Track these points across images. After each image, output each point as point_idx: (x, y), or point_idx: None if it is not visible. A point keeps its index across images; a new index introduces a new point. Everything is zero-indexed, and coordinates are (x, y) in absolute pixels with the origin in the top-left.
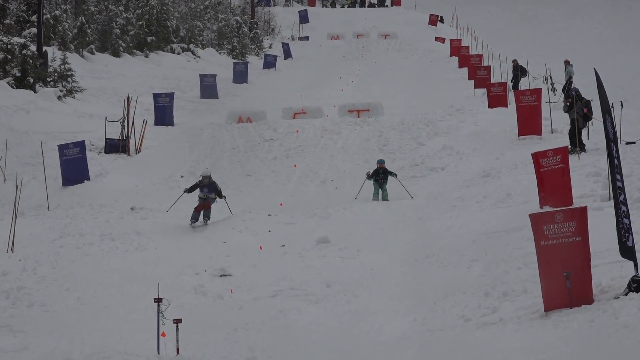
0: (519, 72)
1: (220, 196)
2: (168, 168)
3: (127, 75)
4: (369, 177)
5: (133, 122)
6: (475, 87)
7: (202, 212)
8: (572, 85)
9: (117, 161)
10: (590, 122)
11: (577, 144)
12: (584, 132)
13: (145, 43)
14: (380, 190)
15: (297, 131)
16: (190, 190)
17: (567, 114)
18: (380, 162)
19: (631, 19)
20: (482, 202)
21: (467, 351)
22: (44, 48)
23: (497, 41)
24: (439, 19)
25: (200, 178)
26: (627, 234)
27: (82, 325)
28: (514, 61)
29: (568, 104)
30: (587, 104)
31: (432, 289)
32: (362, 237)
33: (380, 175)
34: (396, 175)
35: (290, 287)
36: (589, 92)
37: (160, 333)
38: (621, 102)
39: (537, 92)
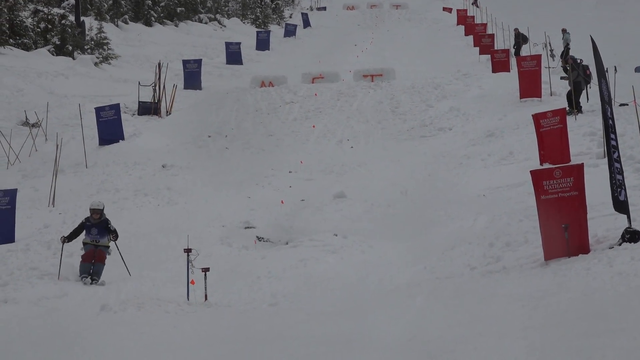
0: (521, 39)
1: (115, 237)
2: (196, 129)
3: (158, 43)
4: None
5: (164, 87)
6: (480, 53)
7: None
8: (570, 51)
9: (149, 122)
10: (589, 85)
11: (574, 105)
12: (583, 94)
13: (175, 13)
14: None
15: (316, 94)
16: (70, 237)
17: (565, 79)
18: None
19: None
20: (486, 159)
21: (473, 297)
22: (82, 18)
23: (500, 11)
24: None
25: (88, 215)
26: (619, 189)
27: (118, 273)
28: (516, 29)
29: (569, 67)
30: (587, 67)
31: (440, 240)
32: (375, 192)
33: None
34: None
35: (309, 238)
36: (585, 57)
37: (189, 281)
38: (615, 67)
39: (537, 57)
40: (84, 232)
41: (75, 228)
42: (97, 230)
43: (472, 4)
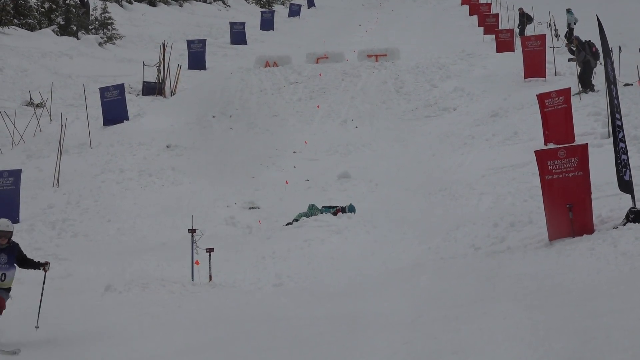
0: (525, 19)
1: (36, 266)
2: (200, 109)
3: (162, 23)
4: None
5: (168, 67)
6: (485, 33)
7: None
8: (573, 32)
9: (154, 102)
10: (598, 62)
11: (587, 84)
12: (593, 72)
13: None
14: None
15: (320, 74)
16: None
17: (572, 60)
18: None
19: None
20: (490, 139)
21: (477, 277)
22: None
23: None
24: None
25: None
26: (624, 169)
27: (122, 254)
28: (520, 9)
29: (574, 47)
30: (592, 44)
31: (445, 220)
32: (379, 172)
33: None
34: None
35: (314, 218)
36: (590, 37)
37: (194, 261)
38: (619, 46)
39: (542, 37)
40: None
41: None
42: (5, 259)
43: None
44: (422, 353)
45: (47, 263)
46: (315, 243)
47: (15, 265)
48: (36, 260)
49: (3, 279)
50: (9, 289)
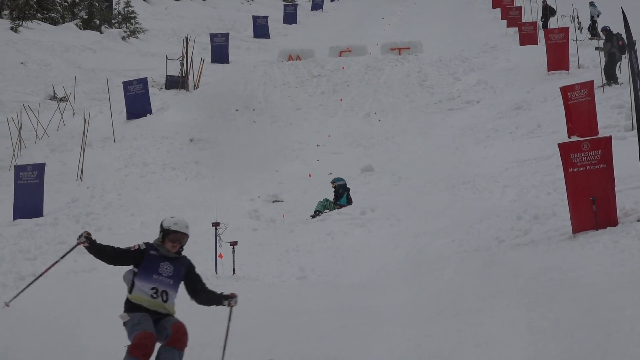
0: (548, 12)
1: (218, 301)
2: (224, 102)
3: (185, 17)
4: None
5: (191, 60)
6: (508, 26)
7: None
8: (596, 24)
9: (177, 96)
10: (623, 56)
11: (611, 77)
12: (617, 65)
13: None
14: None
15: (343, 68)
16: (98, 248)
17: (599, 49)
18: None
19: None
20: (514, 132)
21: (501, 270)
22: None
23: None
24: None
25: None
26: None
27: None
28: (544, 2)
29: (604, 37)
30: (621, 37)
31: (468, 213)
32: (403, 165)
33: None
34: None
35: (337, 211)
36: (615, 29)
37: (217, 255)
38: None
39: (565, 30)
40: (132, 270)
41: (114, 248)
42: (171, 270)
43: None
44: (445, 346)
45: (234, 296)
46: (339, 236)
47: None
48: (218, 291)
49: (165, 299)
50: (169, 318)
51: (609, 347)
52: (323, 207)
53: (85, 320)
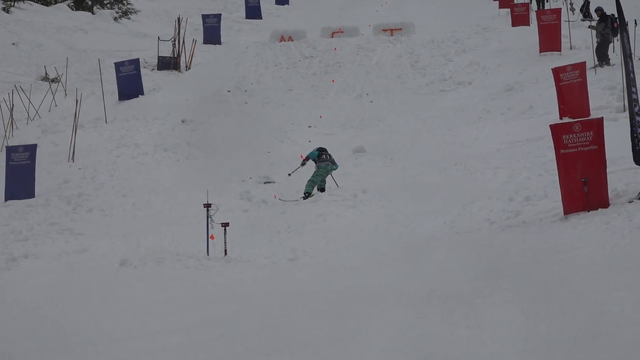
0: None
1: None
2: (216, 83)
3: None
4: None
5: (183, 41)
6: (500, 7)
7: None
8: (589, 5)
9: (169, 77)
10: (616, 38)
11: (603, 58)
12: (610, 47)
13: None
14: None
15: (335, 49)
16: None
17: (590, 31)
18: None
19: None
20: (506, 113)
21: (492, 251)
22: None
23: None
24: None
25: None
26: None
27: (138, 229)
28: None
29: (596, 21)
30: (615, 19)
31: (460, 194)
32: (394, 147)
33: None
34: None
35: (328, 192)
36: (607, 11)
37: (209, 236)
38: (635, 20)
39: (557, 11)
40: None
41: None
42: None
43: None
44: (437, 327)
45: None
46: (331, 217)
47: None
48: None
49: None
50: None
51: (600, 327)
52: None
53: (77, 300)
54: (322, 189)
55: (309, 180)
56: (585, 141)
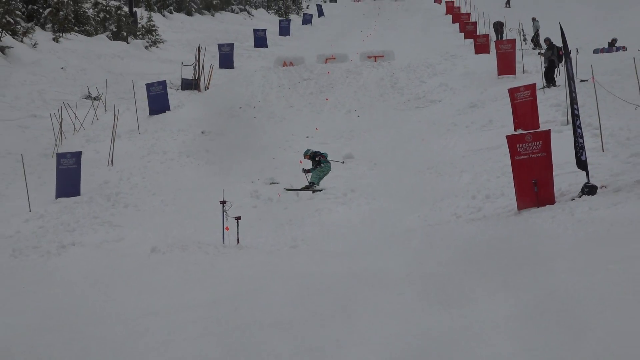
0: (499, 27)
1: None
2: (229, 101)
3: (197, 30)
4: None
5: (202, 66)
6: (465, 38)
7: None
8: (539, 36)
9: (191, 96)
10: (560, 64)
11: (549, 80)
12: (555, 71)
13: (211, 5)
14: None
15: (329, 72)
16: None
17: (539, 57)
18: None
19: None
20: (470, 126)
21: (459, 240)
22: (134, 9)
23: (480, 2)
24: None
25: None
26: (581, 150)
27: (165, 221)
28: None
29: (546, 46)
30: (560, 48)
31: (432, 193)
32: (378, 154)
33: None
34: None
35: (324, 192)
36: (553, 41)
37: (224, 227)
38: (577, 49)
39: (512, 41)
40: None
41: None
42: None
43: None
44: (413, 302)
45: None
46: (325, 212)
47: None
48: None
49: None
50: None
51: (551, 304)
52: (319, 178)
53: (115, 281)
54: (312, 184)
55: (315, 172)
56: (535, 149)
